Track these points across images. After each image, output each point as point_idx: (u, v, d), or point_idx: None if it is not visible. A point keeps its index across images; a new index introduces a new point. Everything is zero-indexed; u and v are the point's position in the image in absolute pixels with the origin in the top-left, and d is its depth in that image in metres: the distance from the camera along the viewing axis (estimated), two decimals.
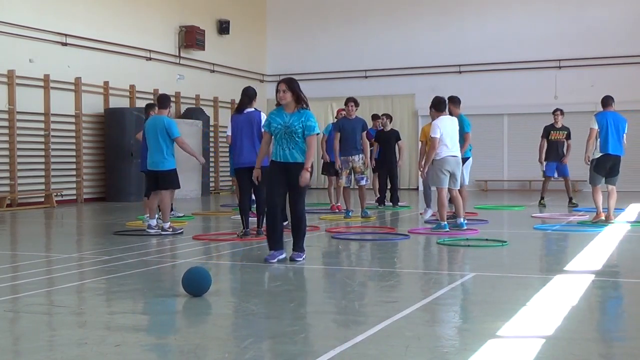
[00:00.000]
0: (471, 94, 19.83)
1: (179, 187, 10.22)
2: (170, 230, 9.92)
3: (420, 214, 11.84)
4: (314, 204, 15.76)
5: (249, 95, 9.34)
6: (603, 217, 10.86)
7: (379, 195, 14.72)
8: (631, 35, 20.15)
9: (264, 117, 9.19)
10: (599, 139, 10.70)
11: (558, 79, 20.77)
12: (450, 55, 21.82)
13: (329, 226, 10.97)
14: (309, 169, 7.15)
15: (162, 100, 10.22)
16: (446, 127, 9.95)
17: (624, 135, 10.84)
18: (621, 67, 20.16)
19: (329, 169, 13.50)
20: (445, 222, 9.97)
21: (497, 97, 21.19)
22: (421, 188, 11.54)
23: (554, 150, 14.50)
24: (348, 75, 22.90)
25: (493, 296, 5.70)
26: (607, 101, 10.99)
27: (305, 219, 7.49)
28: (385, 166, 14.49)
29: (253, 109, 9.34)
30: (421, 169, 10.72)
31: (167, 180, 10.01)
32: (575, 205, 14.30)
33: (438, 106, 10.15)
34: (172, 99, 19.30)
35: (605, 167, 10.76)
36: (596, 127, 10.74)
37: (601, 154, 10.73)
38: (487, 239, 8.96)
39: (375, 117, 15.53)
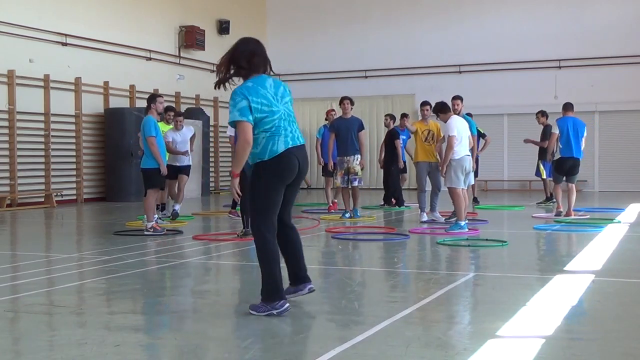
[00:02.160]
0: (471, 94, 19.83)
1: (156, 187, 10.14)
2: (152, 230, 9.84)
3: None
4: (313, 204, 15.76)
5: None
6: (562, 210, 11.56)
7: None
8: (631, 35, 20.13)
9: None
10: (559, 143, 11.54)
11: (558, 79, 20.73)
12: (450, 55, 21.79)
13: (328, 226, 10.97)
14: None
15: (147, 102, 10.29)
16: (459, 127, 10.09)
17: (583, 138, 11.62)
18: (621, 67, 20.13)
19: (325, 170, 13.51)
20: (465, 222, 9.97)
21: (497, 97, 21.16)
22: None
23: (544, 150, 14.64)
24: (348, 75, 22.88)
25: (493, 296, 5.70)
26: (568, 107, 11.84)
27: (260, 244, 4.95)
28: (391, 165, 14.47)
29: None
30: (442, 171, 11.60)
31: (144, 178, 10.07)
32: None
33: (444, 109, 10.33)
34: (172, 99, 19.37)
35: (565, 168, 11.61)
36: (557, 131, 11.53)
37: (561, 156, 11.57)
38: (487, 239, 8.96)
39: (403, 116, 15.25)
